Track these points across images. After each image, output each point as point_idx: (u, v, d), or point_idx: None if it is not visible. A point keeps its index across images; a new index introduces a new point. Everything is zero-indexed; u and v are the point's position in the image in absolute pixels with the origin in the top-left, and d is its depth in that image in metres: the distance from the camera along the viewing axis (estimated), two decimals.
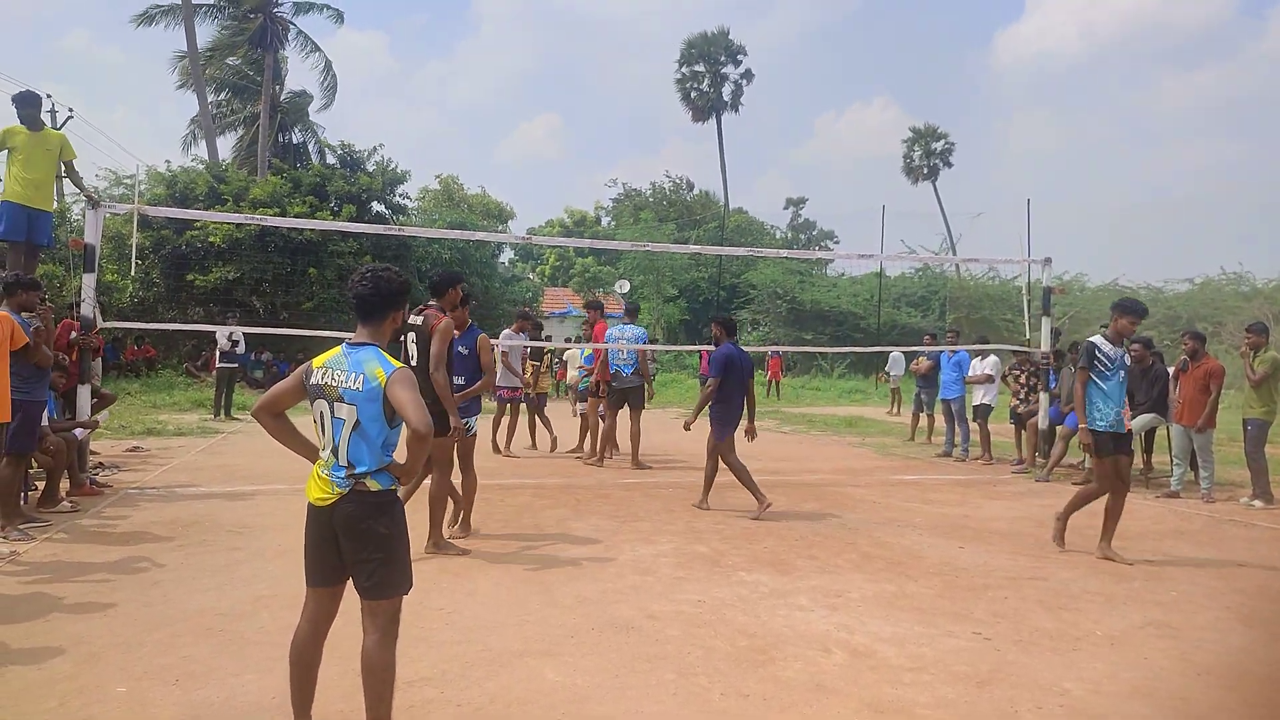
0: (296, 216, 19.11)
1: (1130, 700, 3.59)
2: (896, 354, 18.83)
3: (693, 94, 46.95)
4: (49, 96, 26.15)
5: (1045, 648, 4.18)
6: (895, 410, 18.49)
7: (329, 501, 2.90)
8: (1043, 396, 10.53)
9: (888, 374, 20.22)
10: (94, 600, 4.58)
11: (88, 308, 7.85)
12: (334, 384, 2.91)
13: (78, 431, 7.39)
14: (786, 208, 51.48)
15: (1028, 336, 11.87)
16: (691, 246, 22.61)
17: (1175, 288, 28.22)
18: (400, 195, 26.65)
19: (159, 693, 3.42)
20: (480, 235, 20.22)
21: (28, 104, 7.84)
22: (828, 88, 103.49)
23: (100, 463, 8.92)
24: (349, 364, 2.92)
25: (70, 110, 28.05)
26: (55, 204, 11.36)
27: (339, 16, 31.32)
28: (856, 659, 3.97)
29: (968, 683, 3.71)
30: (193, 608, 4.43)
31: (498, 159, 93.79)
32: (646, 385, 10.26)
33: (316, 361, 2.99)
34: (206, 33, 30.59)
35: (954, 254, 33.22)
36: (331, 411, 2.92)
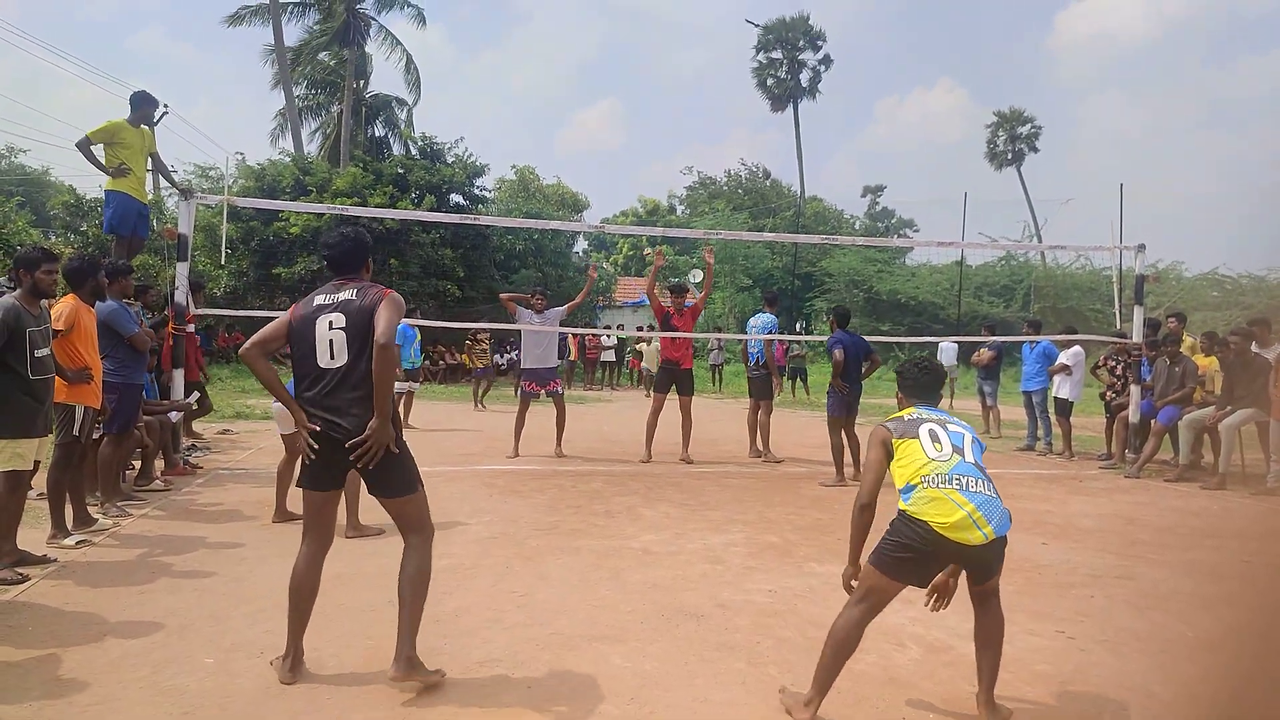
0: (376, 207, 19.59)
1: (1223, 707, 3.42)
2: (947, 344, 18.29)
3: (769, 81, 46.35)
4: None
5: (1132, 649, 4.02)
6: (948, 403, 18.04)
7: None
8: (1134, 389, 10.10)
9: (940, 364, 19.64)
10: (186, 575, 4.80)
11: (180, 295, 8.18)
12: None
13: (171, 414, 7.72)
14: (864, 195, 50.68)
15: (1119, 327, 11.41)
16: (766, 234, 22.35)
17: None
18: (479, 188, 27.08)
19: (244, 664, 3.55)
20: (554, 224, 20.44)
21: (147, 104, 8.25)
22: (886, 72, 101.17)
23: (194, 444, 9.31)
24: None
25: (165, 106, 29.23)
26: (150, 196, 11.88)
27: (420, 17, 31.99)
28: (931, 654, 3.88)
29: (1049, 682, 3.59)
30: (277, 584, 4.56)
31: (559, 149, 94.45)
32: (774, 378, 10.09)
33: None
34: (293, 31, 31.57)
35: (1039, 241, 32.14)
36: None
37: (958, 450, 3.18)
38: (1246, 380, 8.62)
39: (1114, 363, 10.84)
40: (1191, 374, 9.42)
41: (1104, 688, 3.55)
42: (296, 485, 3.63)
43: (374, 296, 3.45)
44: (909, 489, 3.14)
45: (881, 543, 3.18)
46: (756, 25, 45.12)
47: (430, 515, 3.59)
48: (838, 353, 8.38)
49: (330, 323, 3.41)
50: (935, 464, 3.12)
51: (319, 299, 3.51)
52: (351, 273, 3.60)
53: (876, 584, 3.16)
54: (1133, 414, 10.06)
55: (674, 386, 9.64)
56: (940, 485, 3.07)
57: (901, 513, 3.14)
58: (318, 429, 3.35)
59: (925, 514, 3.05)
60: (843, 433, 8.54)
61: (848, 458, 8.50)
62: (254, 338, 3.51)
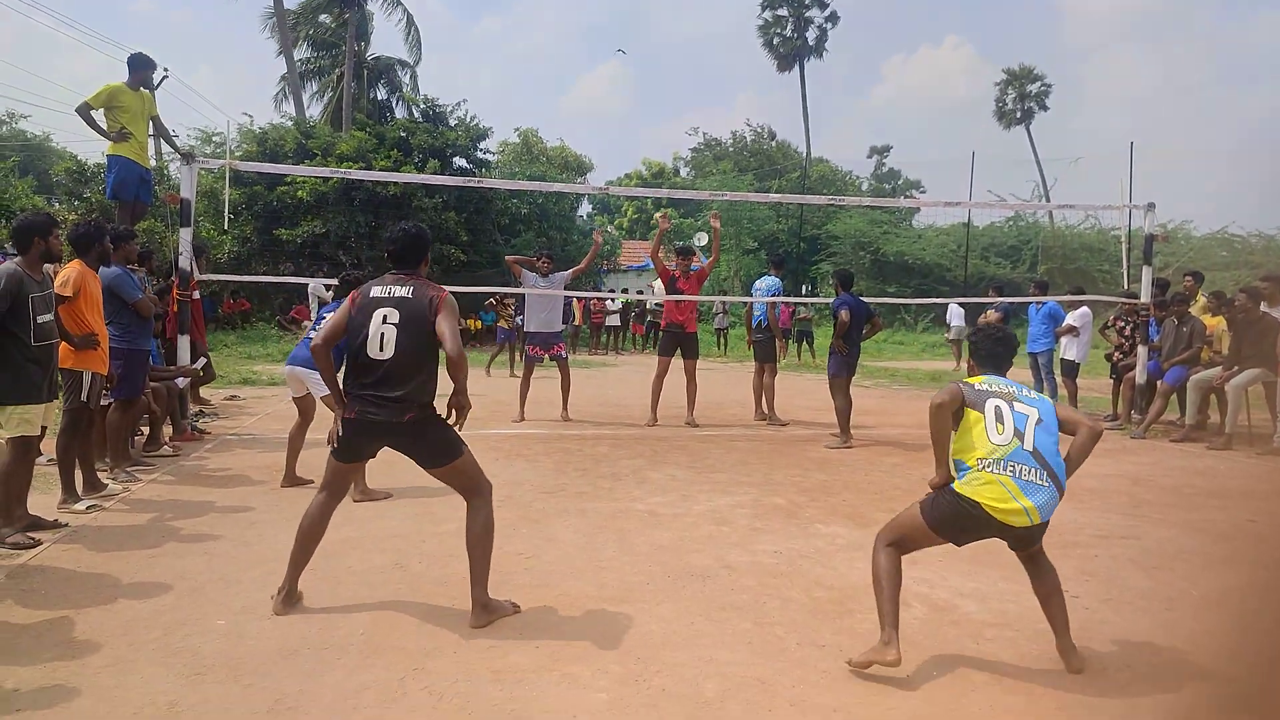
0: (380, 171, 19.46)
1: (1228, 663, 3.44)
2: (955, 306, 18.21)
3: (775, 40, 45.68)
4: None
5: (1137, 607, 4.03)
6: (959, 365, 18.01)
7: None
8: (1141, 350, 10.05)
9: (948, 325, 19.60)
10: (196, 539, 4.84)
11: (185, 261, 8.15)
12: None
13: (179, 380, 7.74)
14: (870, 156, 50.17)
15: (1125, 287, 11.33)
16: (771, 195, 22.18)
17: None
18: (483, 150, 26.86)
19: (256, 626, 3.59)
20: (558, 186, 20.26)
21: (144, 66, 8.14)
22: (893, 30, 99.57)
23: (201, 410, 9.35)
24: None
25: (166, 70, 28.99)
26: (152, 162, 11.80)
27: None
28: (937, 613, 3.90)
29: (1053, 640, 3.60)
30: (286, 547, 4.58)
31: (564, 111, 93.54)
32: (777, 340, 10.06)
33: None
34: None
35: (1048, 201, 31.84)
36: None
37: (1019, 434, 3.23)
38: (1254, 340, 8.57)
39: (1123, 323, 10.77)
40: (1200, 334, 9.36)
41: (1108, 645, 3.57)
42: (331, 454, 3.79)
43: (430, 297, 3.62)
44: (964, 469, 3.25)
45: (934, 502, 3.32)
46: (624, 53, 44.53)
47: (482, 472, 3.83)
48: (844, 314, 8.35)
49: (385, 316, 3.59)
50: (995, 449, 3.20)
51: (376, 290, 3.68)
52: (410, 267, 3.77)
53: (918, 531, 3.34)
54: (1140, 375, 10.02)
55: (679, 350, 9.63)
56: (996, 470, 3.17)
57: (952, 490, 3.25)
58: (353, 416, 3.58)
59: (979, 495, 3.17)
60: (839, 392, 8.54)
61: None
62: (322, 334, 3.75)
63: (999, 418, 3.26)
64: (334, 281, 14.75)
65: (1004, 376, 3.50)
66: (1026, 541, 3.32)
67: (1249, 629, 3.63)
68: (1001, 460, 3.17)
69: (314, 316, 14.72)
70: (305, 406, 6.16)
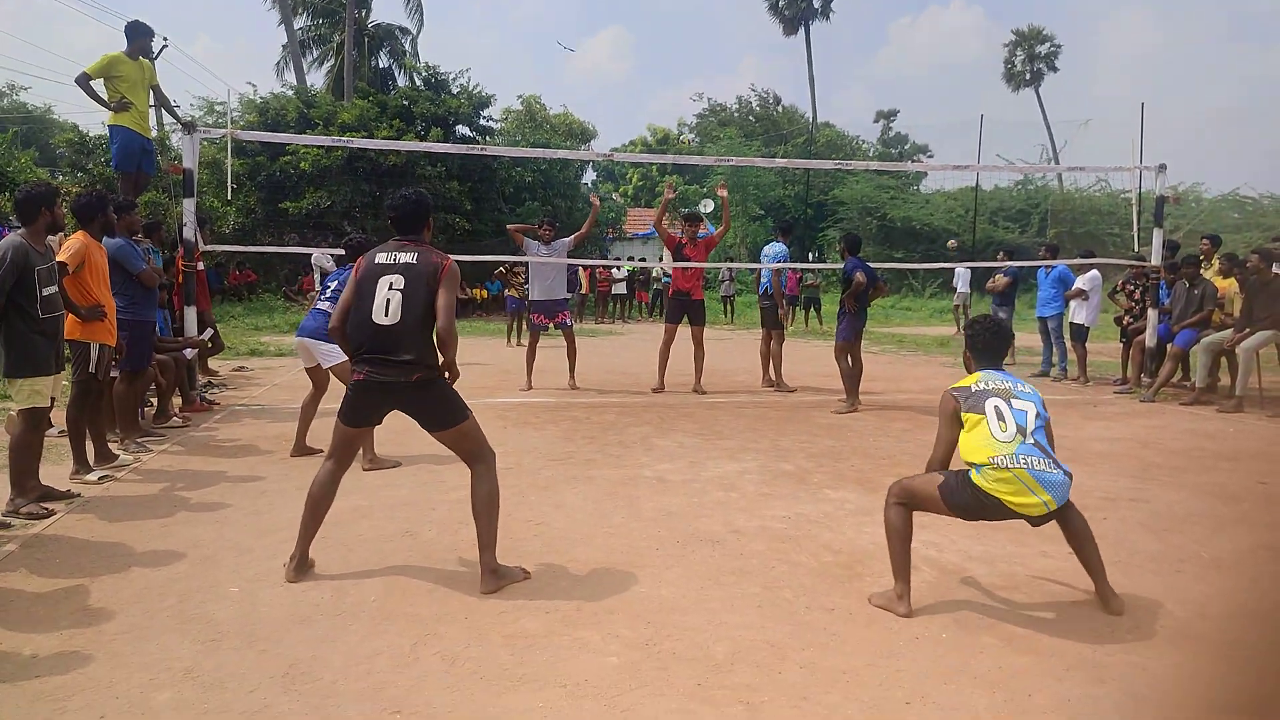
0: (383, 140, 19.33)
1: (1236, 623, 3.45)
2: (963, 269, 18.01)
3: (781, 3, 45.00)
4: None
5: (1146, 570, 4.04)
6: (959, 331, 17.92)
7: None
8: (1151, 313, 9.99)
9: (954, 289, 19.36)
10: (207, 508, 4.87)
11: (189, 231, 8.13)
12: None
13: (186, 351, 7.75)
14: (876, 121, 49.42)
15: (1135, 250, 11.23)
16: (778, 160, 22.00)
17: None
18: (485, 118, 26.65)
19: (269, 593, 3.62)
20: (562, 153, 20.13)
21: (143, 34, 8.04)
22: None
23: (210, 381, 9.38)
24: None
25: (165, 39, 28.72)
26: (154, 132, 11.74)
27: None
28: (945, 576, 3.92)
29: (1061, 602, 3.62)
30: (297, 516, 4.60)
31: (568, 78, 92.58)
32: (780, 307, 9.97)
33: None
34: None
35: (1057, 164, 31.50)
36: None
37: (1021, 430, 3.36)
38: (1266, 302, 8.50)
39: (1131, 287, 10.70)
40: (1211, 296, 9.30)
41: None
42: (338, 419, 3.83)
43: (435, 264, 3.66)
44: (979, 468, 3.36)
45: (954, 489, 3.43)
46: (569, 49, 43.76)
47: (486, 439, 3.88)
48: (860, 276, 8.39)
49: (390, 283, 3.65)
50: (1002, 446, 3.32)
51: (381, 257, 3.74)
52: (413, 234, 3.80)
53: (933, 504, 3.48)
54: (1150, 338, 9.97)
55: (685, 317, 9.61)
56: (1010, 467, 3.29)
57: (970, 481, 3.38)
58: (362, 378, 3.63)
59: (998, 491, 3.31)
60: (849, 356, 8.52)
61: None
62: (337, 313, 3.79)
63: (1000, 417, 3.40)
64: (337, 251, 14.75)
65: (1000, 370, 3.66)
66: (1043, 522, 3.46)
67: (1260, 591, 3.63)
68: (1012, 456, 3.29)
69: (318, 286, 14.74)
70: (318, 378, 6.17)
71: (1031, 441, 3.34)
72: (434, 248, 3.78)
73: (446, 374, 3.71)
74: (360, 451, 5.70)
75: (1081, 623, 3.41)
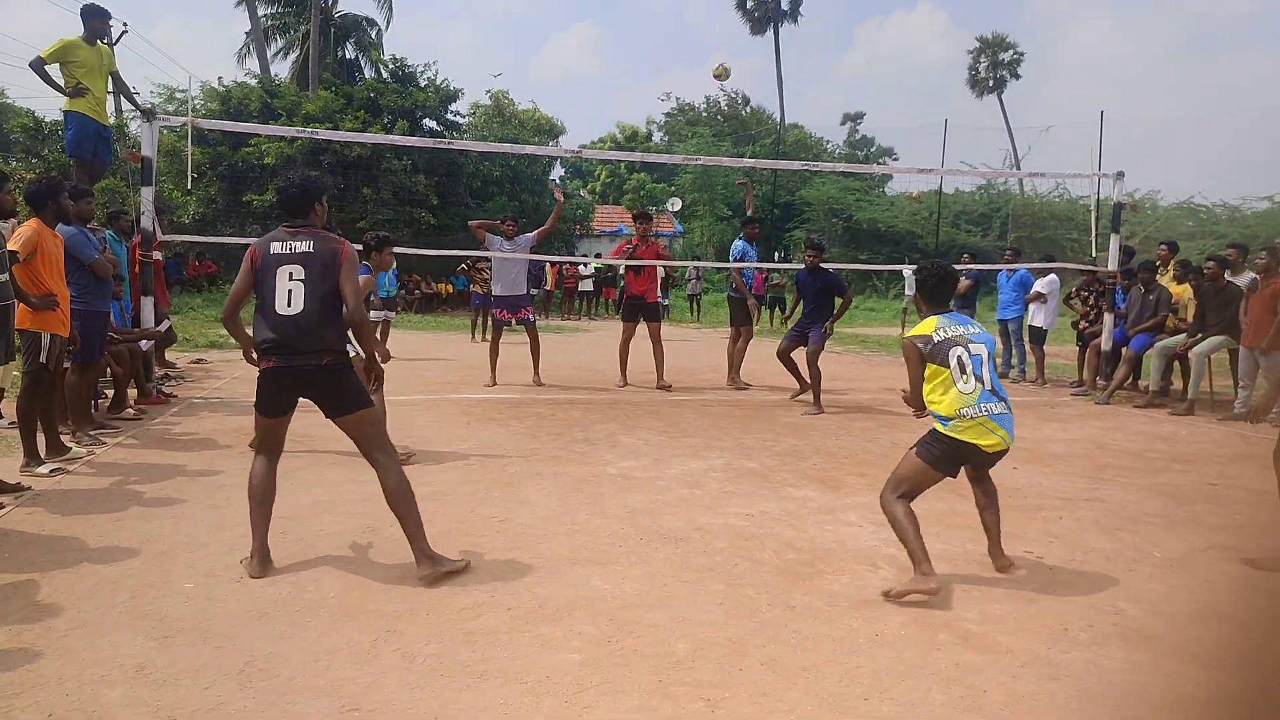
0: (348, 132, 19.09)
1: (1188, 621, 3.53)
2: (908, 271, 18.18)
3: (749, 3, 45.19)
4: None
5: (1100, 568, 4.11)
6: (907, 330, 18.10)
7: None
8: (1107, 317, 10.19)
9: (904, 294, 19.64)
10: (162, 502, 4.77)
11: (147, 221, 7.97)
12: None
13: (142, 342, 7.60)
14: (843, 123, 49.93)
15: (1093, 255, 11.44)
16: (745, 161, 22.07)
17: (1254, 206, 26.76)
18: (453, 112, 26.43)
19: (225, 589, 3.56)
20: (530, 149, 20.04)
21: (99, 16, 7.85)
22: None
23: (167, 374, 9.20)
24: None
25: (125, 25, 28.13)
26: (112, 119, 11.50)
27: None
28: (904, 574, 3.94)
29: (1017, 600, 3.67)
30: None
31: (535, 73, 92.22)
32: (747, 303, 10.00)
33: None
34: None
35: (1018, 170, 32.02)
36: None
37: (979, 379, 3.72)
38: (1219, 307, 8.72)
39: (1086, 293, 10.90)
40: (1165, 302, 9.50)
41: (1071, 604, 3.64)
42: (256, 410, 3.90)
43: (332, 250, 3.70)
44: (946, 420, 3.72)
45: (929, 447, 3.77)
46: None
47: (387, 432, 3.93)
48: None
49: (290, 274, 3.66)
50: (966, 399, 3.69)
51: (275, 247, 3.73)
52: (301, 218, 3.80)
53: (922, 474, 3.78)
54: (1105, 341, 10.17)
55: (642, 316, 9.66)
56: (974, 416, 3.68)
57: (941, 435, 3.73)
58: (270, 366, 3.68)
59: (966, 436, 3.70)
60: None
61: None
62: (230, 300, 3.82)
63: (962, 368, 3.72)
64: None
65: (951, 312, 3.93)
66: (994, 461, 3.89)
67: (1211, 590, 3.71)
68: (975, 405, 3.68)
69: None
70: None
71: (989, 388, 3.72)
72: (328, 233, 3.80)
73: (372, 371, 3.89)
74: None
75: (1037, 620, 3.47)
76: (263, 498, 3.83)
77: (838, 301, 8.61)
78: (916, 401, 3.91)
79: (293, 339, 3.64)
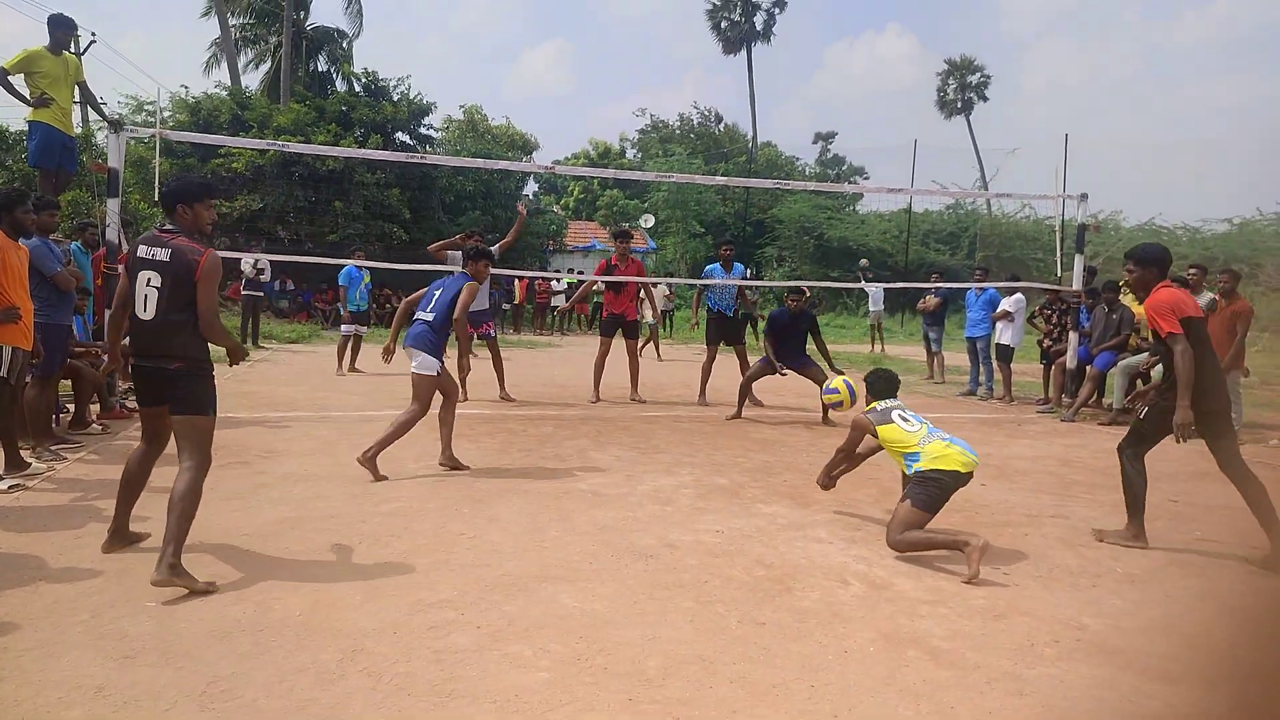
0: (320, 145, 18.98)
1: (1149, 635, 3.58)
2: (875, 289, 18.40)
3: (723, 24, 45.62)
4: None
5: (1065, 584, 4.17)
6: (874, 348, 18.33)
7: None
8: (1072, 336, 10.36)
9: (869, 310, 19.96)
10: None
11: (112, 233, 7.86)
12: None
13: (105, 356, 7.47)
14: (815, 142, 50.49)
15: (1058, 275, 11.64)
16: (718, 178, 22.21)
17: (1214, 228, 27.41)
18: (426, 126, 26.37)
19: (188, 609, 3.50)
20: (503, 165, 20.03)
21: (64, 27, 7.78)
22: (836, 16, 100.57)
23: (130, 387, 9.04)
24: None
25: (93, 35, 27.76)
26: (78, 130, 11.35)
27: None
28: (874, 590, 3.98)
29: (984, 616, 3.71)
30: (220, 528, 4.52)
31: (508, 90, 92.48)
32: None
33: None
34: None
35: (986, 190, 32.55)
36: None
37: (923, 423, 4.61)
38: None
39: (1050, 312, 11.09)
40: (1128, 321, 9.68)
41: (1037, 620, 3.68)
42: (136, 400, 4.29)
43: (190, 262, 3.77)
44: (913, 457, 4.46)
45: (919, 495, 4.37)
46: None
47: (211, 448, 3.97)
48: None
49: (148, 280, 3.79)
50: (918, 433, 4.50)
51: (141, 250, 3.85)
52: (173, 222, 3.93)
53: (922, 519, 4.35)
54: (1070, 360, 10.33)
55: (619, 330, 9.69)
56: (934, 443, 4.45)
57: (921, 473, 4.40)
58: (134, 363, 3.91)
59: (943, 464, 4.37)
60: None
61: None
62: (115, 299, 4.03)
63: (904, 419, 4.63)
64: (264, 258, 14.32)
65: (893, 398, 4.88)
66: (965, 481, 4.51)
67: (1172, 605, 3.77)
68: (927, 436, 4.47)
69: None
70: (446, 387, 6.13)
71: (932, 428, 4.58)
72: (193, 242, 3.85)
73: (233, 361, 4.22)
74: (442, 450, 6.07)
75: (1004, 636, 3.51)
76: (131, 482, 4.05)
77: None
78: (843, 450, 4.99)
79: (146, 343, 3.85)
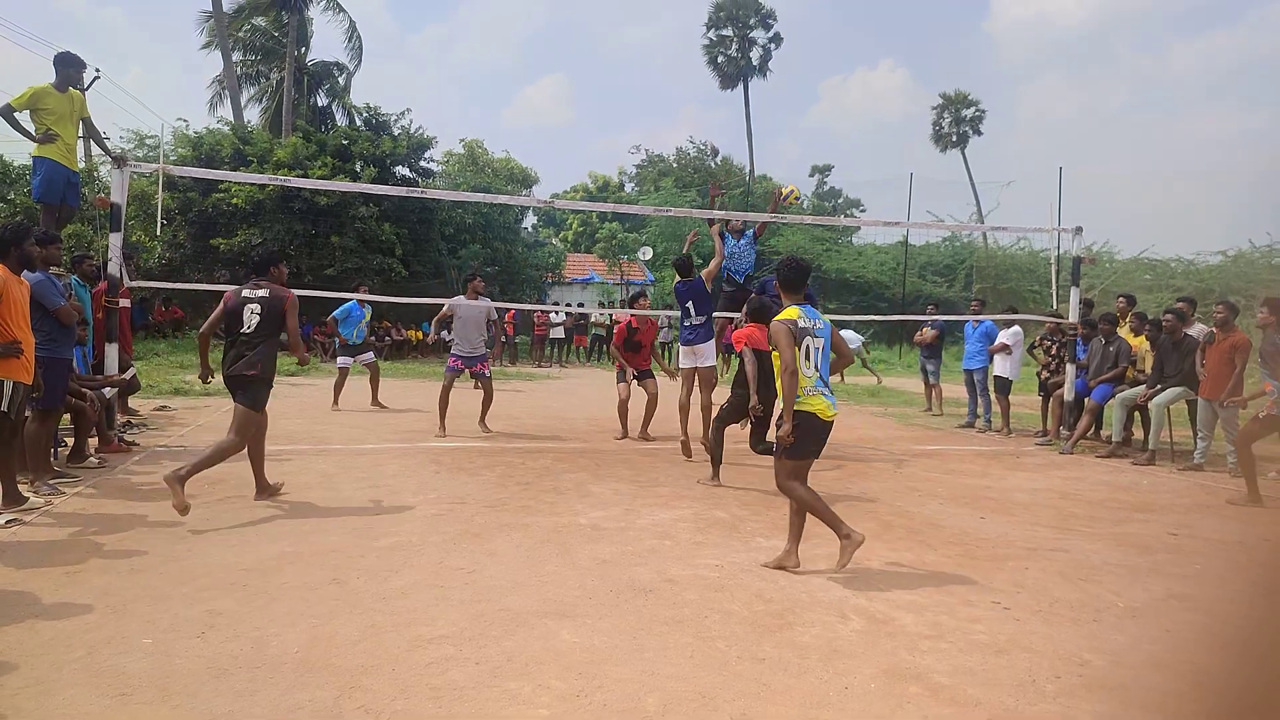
0: (318, 179, 19.12)
1: (1150, 671, 3.56)
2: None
3: (720, 59, 46.20)
4: None
5: (1065, 618, 4.15)
6: (879, 379, 18.39)
7: None
8: (1069, 368, 10.39)
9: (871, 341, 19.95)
10: (121, 554, 4.67)
11: (114, 267, 7.91)
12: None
13: (105, 390, 7.48)
14: (812, 175, 50.89)
15: (1054, 307, 11.70)
16: (715, 212, 22.27)
17: (1208, 260, 27.53)
18: (426, 159, 26.57)
19: (184, 645, 3.48)
20: (502, 199, 20.13)
21: (73, 65, 7.88)
22: (830, 52, 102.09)
23: (129, 421, 9.05)
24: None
25: (98, 71, 28.00)
26: (82, 164, 11.45)
27: None
28: (874, 625, 3.97)
29: (986, 651, 3.69)
30: (217, 563, 4.50)
31: (506, 123, 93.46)
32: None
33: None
34: None
35: (982, 222, 32.78)
36: None
37: (816, 368, 4.67)
38: (1177, 359, 8.93)
39: (1049, 342, 11.13)
40: (1125, 353, 9.72)
41: (1039, 655, 3.66)
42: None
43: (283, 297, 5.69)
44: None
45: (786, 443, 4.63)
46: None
47: (250, 431, 5.63)
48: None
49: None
50: (807, 380, 4.63)
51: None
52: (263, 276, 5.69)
53: (800, 466, 4.78)
54: (1068, 392, 10.35)
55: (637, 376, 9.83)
56: (814, 393, 4.65)
57: (803, 412, 4.62)
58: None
59: (812, 405, 4.63)
60: None
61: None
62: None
63: (808, 355, 4.63)
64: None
65: (805, 304, 4.77)
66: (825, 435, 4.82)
67: (1173, 639, 3.76)
68: (813, 385, 4.64)
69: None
70: (704, 375, 7.03)
71: (819, 377, 4.68)
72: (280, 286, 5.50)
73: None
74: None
75: (1005, 672, 3.49)
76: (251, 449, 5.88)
77: None
78: (787, 364, 4.56)
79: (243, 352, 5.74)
